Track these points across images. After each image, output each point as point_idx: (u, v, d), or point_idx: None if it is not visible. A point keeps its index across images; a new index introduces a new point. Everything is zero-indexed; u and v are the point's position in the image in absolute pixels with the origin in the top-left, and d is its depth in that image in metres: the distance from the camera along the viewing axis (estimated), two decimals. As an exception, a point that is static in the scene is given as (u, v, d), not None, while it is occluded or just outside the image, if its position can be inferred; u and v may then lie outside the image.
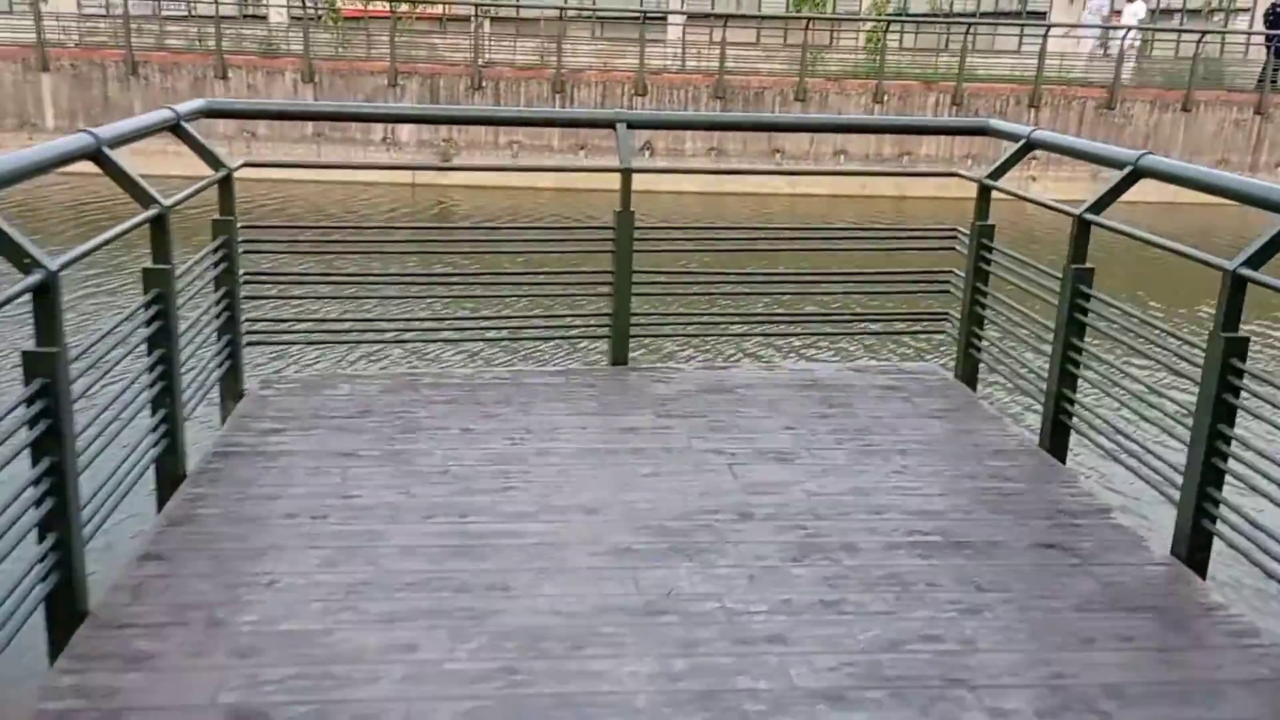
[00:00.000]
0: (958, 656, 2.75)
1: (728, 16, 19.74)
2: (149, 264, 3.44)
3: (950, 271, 5.12)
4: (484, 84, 17.82)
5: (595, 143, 17.35)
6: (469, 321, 5.00)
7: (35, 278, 2.56)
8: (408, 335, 5.35)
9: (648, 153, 17.70)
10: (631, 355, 4.95)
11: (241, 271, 4.39)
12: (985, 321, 4.85)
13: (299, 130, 17.33)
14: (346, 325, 5.07)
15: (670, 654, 2.70)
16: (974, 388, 4.88)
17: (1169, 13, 23.26)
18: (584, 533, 3.32)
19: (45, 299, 2.60)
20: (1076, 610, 3.01)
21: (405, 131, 17.59)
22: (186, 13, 20.24)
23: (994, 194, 4.75)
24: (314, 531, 3.25)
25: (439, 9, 21.37)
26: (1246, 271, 3.13)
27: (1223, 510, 3.22)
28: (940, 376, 4.96)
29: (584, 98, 18.06)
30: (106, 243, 3.04)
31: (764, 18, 21.81)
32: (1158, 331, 3.73)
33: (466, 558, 3.13)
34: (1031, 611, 2.99)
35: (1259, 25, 21.77)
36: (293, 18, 19.46)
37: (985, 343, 4.85)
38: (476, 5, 19.41)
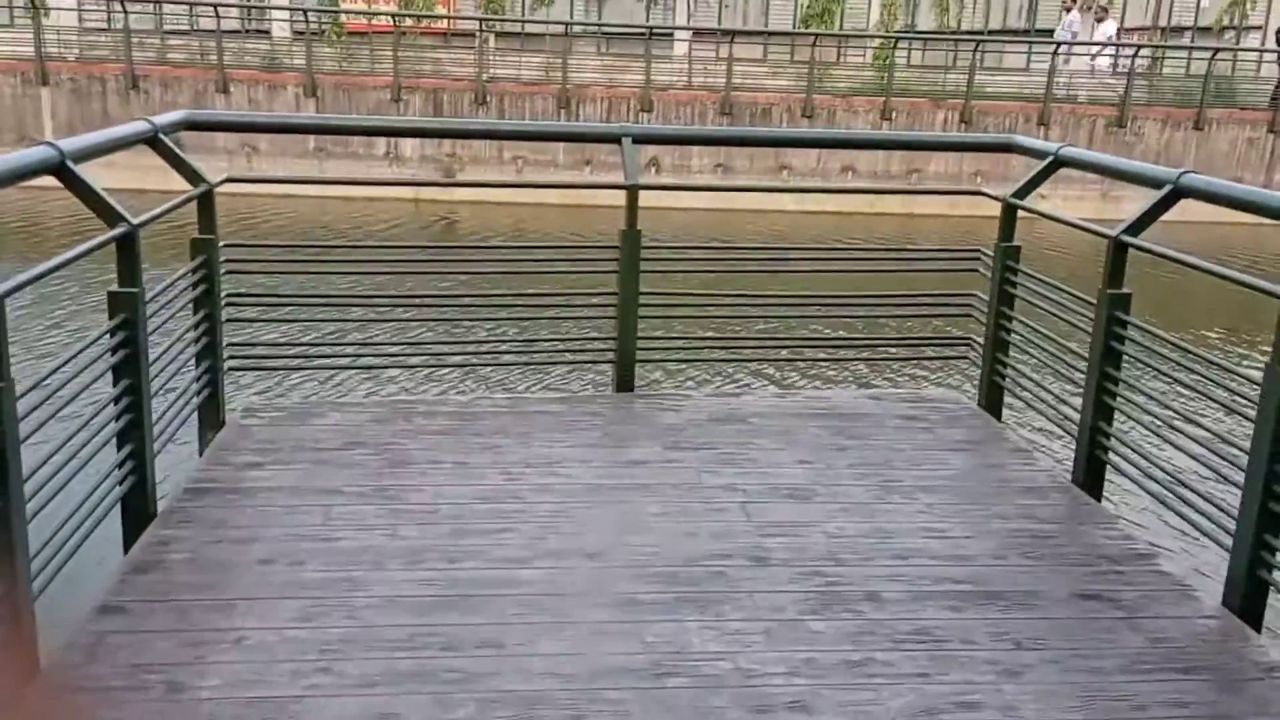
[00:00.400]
0: None
1: (734, 33, 19.54)
2: (115, 287, 3.19)
3: (972, 294, 4.86)
4: (488, 99, 17.63)
5: (601, 158, 17.14)
6: (466, 346, 4.74)
7: None
8: (400, 360, 5.08)
9: (654, 169, 17.48)
10: (638, 381, 4.69)
11: (224, 293, 4.14)
12: (1010, 347, 4.59)
13: (301, 145, 17.13)
14: (335, 350, 4.82)
15: None
16: (998, 417, 4.61)
17: (1179, 30, 23.02)
18: (585, 581, 3.06)
19: None
20: (1124, 671, 2.74)
21: (409, 146, 17.39)
22: (189, 27, 20.08)
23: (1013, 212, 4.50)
24: (289, 580, 2.99)
25: (444, 24, 21.22)
26: None
27: None
28: (962, 405, 4.70)
29: (589, 114, 17.86)
30: (62, 265, 2.79)
31: (771, 34, 21.59)
32: (1204, 362, 3.47)
33: (455, 610, 2.86)
34: (1076, 673, 2.71)
35: (1270, 43, 21.56)
36: (296, 32, 19.31)
37: (1010, 370, 4.58)
38: (481, 20, 19.25)
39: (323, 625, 2.76)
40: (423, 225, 16.22)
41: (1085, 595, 3.11)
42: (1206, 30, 22.67)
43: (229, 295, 4.19)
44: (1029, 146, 4.69)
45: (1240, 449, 3.10)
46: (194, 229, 3.95)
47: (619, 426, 4.27)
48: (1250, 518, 3.01)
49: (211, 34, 17.48)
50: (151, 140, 3.77)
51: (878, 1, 21.88)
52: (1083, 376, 3.95)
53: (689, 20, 21.84)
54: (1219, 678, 2.74)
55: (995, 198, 4.62)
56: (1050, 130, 18.18)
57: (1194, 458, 3.45)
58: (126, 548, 3.25)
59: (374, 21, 20.33)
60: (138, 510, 3.30)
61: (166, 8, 20.53)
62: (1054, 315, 4.26)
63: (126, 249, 3.16)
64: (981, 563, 3.26)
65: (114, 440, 3.21)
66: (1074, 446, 4.01)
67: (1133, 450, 3.73)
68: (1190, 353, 3.55)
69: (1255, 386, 3.02)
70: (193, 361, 3.95)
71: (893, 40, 19.54)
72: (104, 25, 19.76)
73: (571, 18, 20.91)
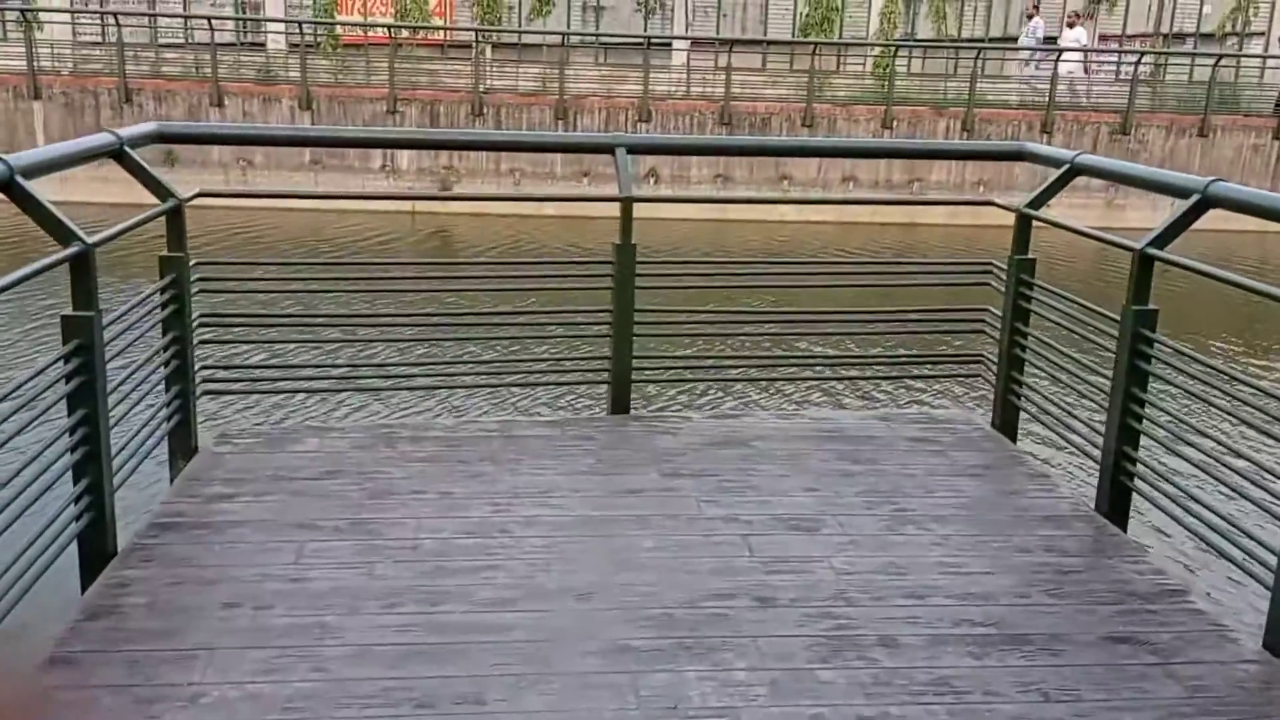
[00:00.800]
0: None
1: (733, 42, 19.35)
2: (68, 310, 2.97)
3: (985, 309, 4.64)
4: (485, 110, 17.45)
5: (600, 169, 16.93)
6: (453, 366, 4.52)
7: None
8: (384, 382, 4.85)
9: (652, 180, 17.28)
10: (633, 402, 4.47)
11: (196, 314, 3.92)
12: (1026, 365, 4.36)
13: (296, 158, 16.95)
14: (314, 372, 4.58)
15: None
16: (1014, 439, 4.38)
17: (1182, 37, 22.85)
18: (574, 625, 2.82)
19: None
20: None
21: (405, 158, 17.21)
22: (184, 40, 19.93)
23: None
24: (255, 626, 2.76)
25: (440, 35, 21.06)
26: None
27: None
28: (976, 426, 4.47)
29: (587, 124, 17.67)
30: (7, 288, 2.57)
31: (770, 43, 21.40)
32: (1237, 383, 3.24)
33: (433, 661, 2.63)
34: None
35: (1275, 49, 21.38)
36: (291, 45, 19.15)
37: (1026, 389, 4.36)
38: (478, 31, 19.08)
39: (287, 679, 2.53)
40: (419, 240, 16.00)
41: (1115, 638, 2.88)
42: (1209, 36, 22.50)
43: (201, 315, 3.97)
44: (1042, 154, 4.48)
45: (1278, 477, 2.88)
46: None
47: (613, 452, 4.04)
48: None
49: (206, 46, 17.31)
50: (117, 154, 3.56)
51: (877, 9, 21.71)
52: (1105, 397, 3.73)
53: (687, 30, 21.65)
54: None
55: (1008, 208, 4.40)
56: (1053, 138, 17.99)
57: (1228, 486, 3.22)
58: (85, 588, 3.03)
59: (370, 33, 20.17)
60: (96, 549, 3.08)
61: (162, 21, 20.41)
62: (1073, 332, 4.03)
63: (81, 270, 2.95)
64: (1003, 602, 3.03)
65: (70, 474, 2.99)
66: (1096, 472, 3.78)
67: (1161, 477, 3.50)
68: (1222, 373, 3.32)
69: None
70: (162, 386, 3.73)
71: (893, 48, 19.37)
72: (98, 38, 19.62)
73: (569, 28, 20.73)
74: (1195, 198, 3.38)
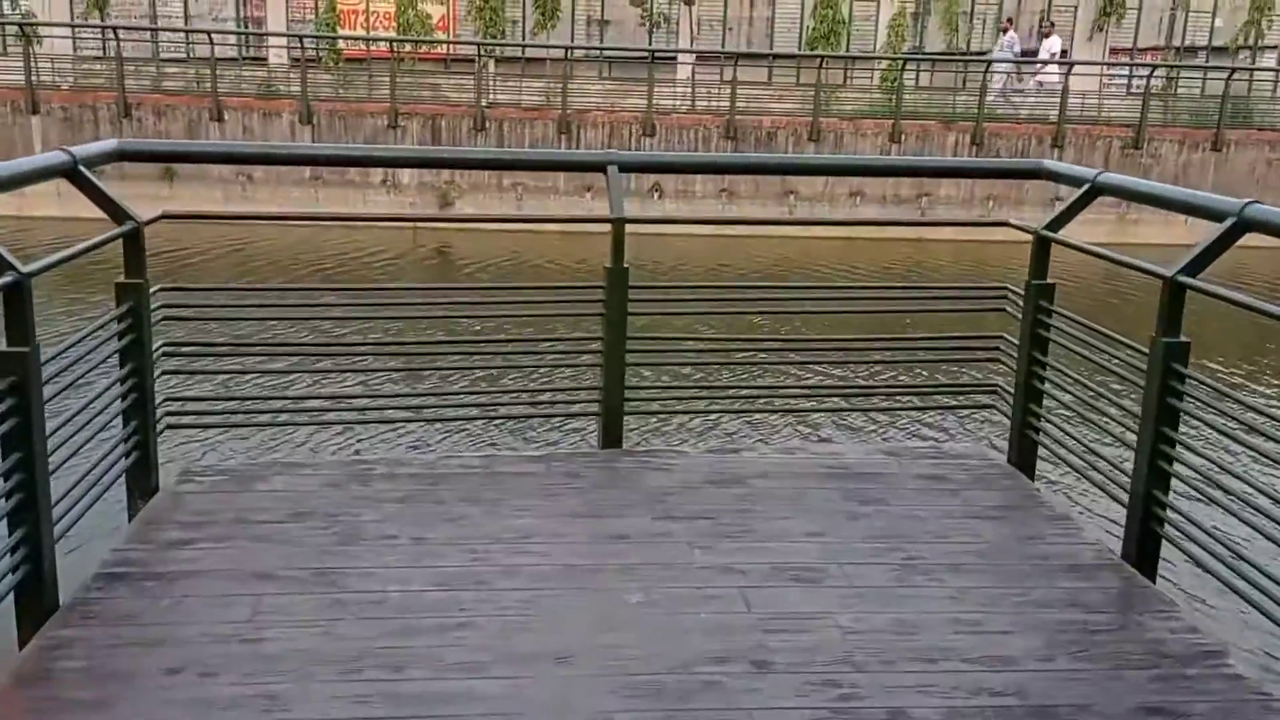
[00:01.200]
0: None
1: (739, 55, 19.15)
2: (2, 346, 2.72)
3: (1000, 336, 4.37)
4: (487, 125, 17.25)
5: (603, 184, 16.68)
6: (434, 398, 4.25)
7: None
8: (360, 415, 4.58)
9: (656, 194, 17.05)
10: (626, 435, 4.20)
11: (159, 343, 3.67)
12: (1045, 398, 4.09)
13: (296, 172, 16.73)
14: (286, 404, 4.32)
15: None
16: (1031, 477, 4.10)
17: (1193, 50, 22.60)
18: (551, 696, 2.56)
19: None
20: None
21: (405, 174, 17.01)
22: (185, 55, 19.80)
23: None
24: (197, 697, 2.50)
25: (443, 50, 20.91)
26: None
27: None
28: (990, 462, 4.19)
29: (590, 139, 17.46)
30: None
31: (776, 56, 21.22)
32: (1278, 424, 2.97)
33: None
34: None
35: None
36: (293, 60, 18.99)
37: (1045, 423, 4.08)
38: (480, 45, 18.91)
39: None
40: (420, 257, 15.79)
41: (1150, 709, 2.60)
42: (1221, 50, 22.25)
43: (164, 345, 3.72)
44: (1061, 173, 4.22)
45: None
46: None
47: (602, 491, 3.78)
48: None
49: (207, 61, 17.15)
50: (70, 173, 3.31)
51: (884, 22, 21.50)
52: (1132, 435, 3.46)
53: (692, 43, 21.46)
54: None
55: (1025, 229, 4.13)
56: (1064, 152, 17.74)
57: (1268, 538, 2.94)
58: (22, 645, 2.77)
59: (373, 48, 20.02)
60: (34, 603, 2.82)
61: (164, 35, 20.30)
62: (1096, 363, 3.76)
63: (15, 302, 2.70)
64: (1026, 666, 2.75)
65: (6, 522, 2.74)
66: (1122, 514, 3.51)
67: (1194, 524, 3.23)
68: (1261, 413, 3.05)
69: None
70: (119, 420, 3.48)
71: (900, 62, 19.14)
72: (99, 53, 19.50)
73: (573, 42, 20.54)
74: (1231, 221, 3.12)
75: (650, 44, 21.04)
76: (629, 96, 18.19)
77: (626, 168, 4.10)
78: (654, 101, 17.46)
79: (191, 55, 19.52)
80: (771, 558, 3.29)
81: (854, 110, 18.62)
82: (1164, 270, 3.25)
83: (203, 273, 13.63)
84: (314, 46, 19.41)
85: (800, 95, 18.85)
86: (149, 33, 20.12)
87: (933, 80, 21.08)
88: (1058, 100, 17.90)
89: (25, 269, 2.70)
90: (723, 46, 21.35)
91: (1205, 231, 3.22)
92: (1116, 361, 3.64)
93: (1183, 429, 3.28)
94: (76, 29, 19.99)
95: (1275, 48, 21.99)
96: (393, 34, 20.25)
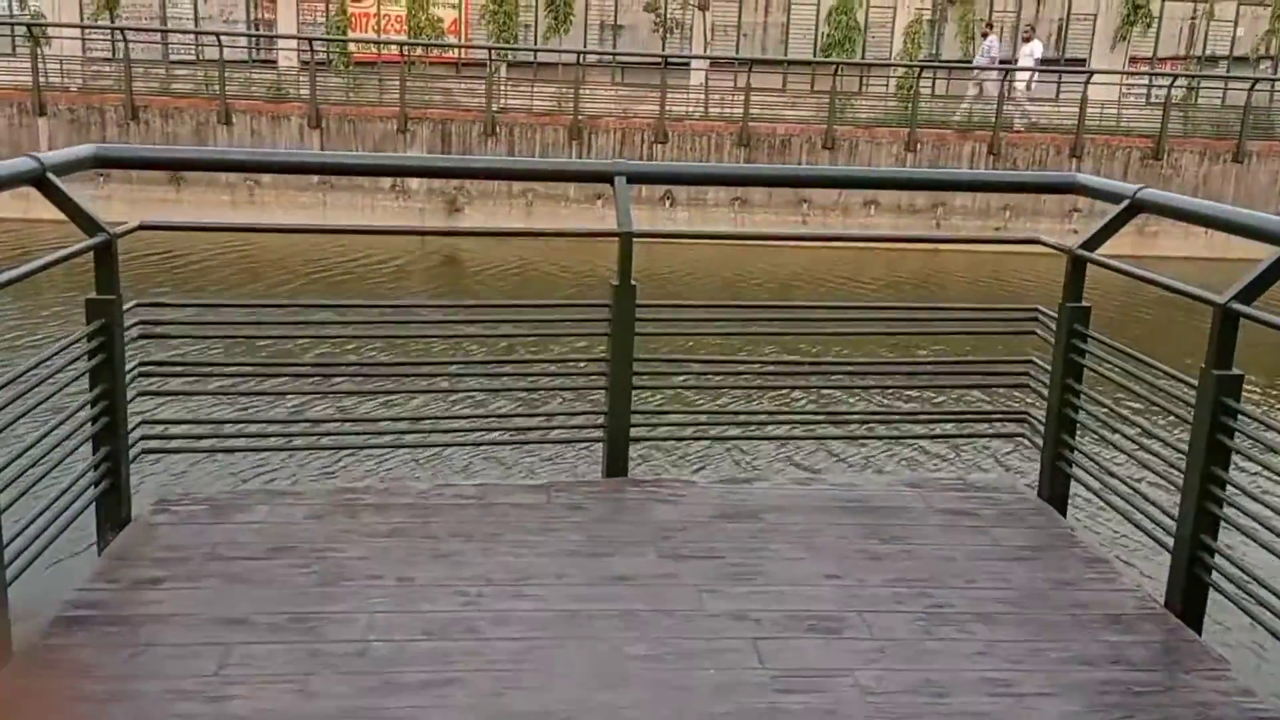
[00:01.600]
0: None
1: (753, 61, 18.88)
2: None
3: (1029, 360, 4.12)
4: (498, 130, 17.04)
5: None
6: (429, 422, 4.01)
7: None
8: (350, 439, 4.34)
9: (668, 202, 16.82)
10: (631, 463, 3.96)
11: (134, 362, 3.45)
12: (1079, 428, 3.84)
13: (304, 178, 16.56)
14: (271, 427, 4.09)
15: None
16: (1064, 512, 3.84)
17: (1214, 60, 22.26)
18: None
19: None
20: None
21: (415, 179, 16.81)
22: (195, 57, 19.66)
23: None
24: None
25: (454, 54, 20.71)
26: None
27: None
28: (1019, 495, 3.93)
29: (602, 144, 17.23)
30: None
31: (790, 63, 20.93)
32: None
33: None
34: None
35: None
36: (303, 63, 18.81)
37: (1079, 455, 3.83)
38: (492, 49, 18.71)
39: None
40: (429, 265, 15.58)
41: None
42: (1242, 60, 21.92)
43: (140, 364, 3.50)
44: (1097, 188, 3.97)
45: None
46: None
47: (605, 525, 3.53)
48: None
49: (216, 63, 16.99)
50: (38, 181, 3.09)
51: (900, 30, 21.24)
52: (1175, 470, 3.21)
53: (706, 49, 21.22)
54: None
55: (1058, 248, 3.88)
56: (1082, 163, 17.43)
57: None
58: None
59: (383, 51, 19.84)
60: None
61: (173, 37, 20.15)
62: (1138, 393, 3.51)
63: None
64: None
65: None
66: (1163, 556, 3.25)
67: (1245, 573, 2.97)
68: None
69: None
70: (90, 447, 3.25)
71: (916, 69, 18.87)
72: (108, 55, 19.36)
73: (585, 46, 20.33)
74: None
75: (663, 49, 20.81)
76: (642, 102, 17.96)
77: (635, 179, 3.86)
78: (667, 108, 17.24)
79: (201, 57, 19.37)
80: (786, 604, 3.05)
81: (869, 118, 18.36)
82: (1215, 297, 3.00)
83: (201, 277, 13.45)
84: (324, 50, 19.24)
85: (815, 102, 18.59)
86: (159, 34, 19.97)
87: (949, 88, 20.79)
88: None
89: (-27, 289, 2.48)
90: (737, 52, 21.11)
91: (1238, 244, 2.98)
92: (1159, 392, 3.39)
93: (1234, 469, 3.03)
94: (86, 30, 19.84)
95: (1298, 58, 21.66)
96: (403, 37, 20.06)
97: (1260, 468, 3.01)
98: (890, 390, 5.07)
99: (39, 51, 16.79)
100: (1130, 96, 20.65)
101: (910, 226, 17.33)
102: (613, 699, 2.57)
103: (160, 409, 3.72)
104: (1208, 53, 22.22)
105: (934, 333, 4.87)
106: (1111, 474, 3.63)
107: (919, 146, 17.41)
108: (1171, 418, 3.33)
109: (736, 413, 4.43)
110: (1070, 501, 3.89)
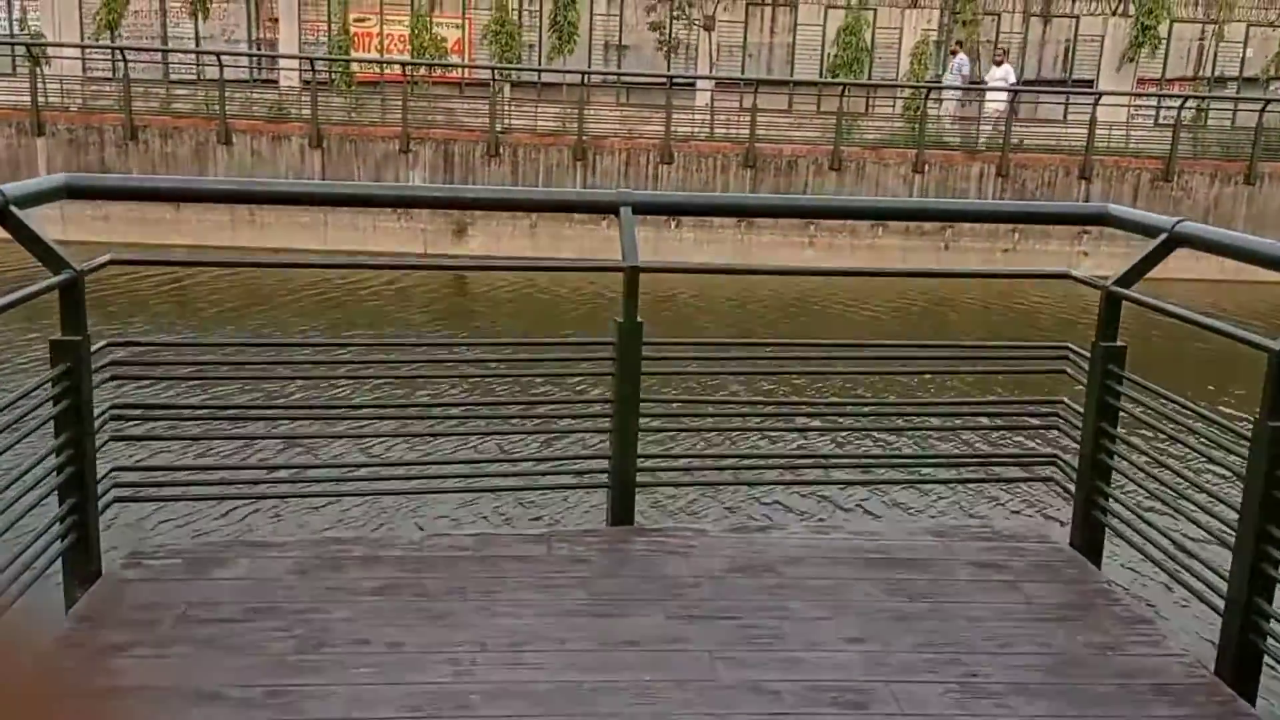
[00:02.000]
0: None
1: (759, 82, 18.75)
2: None
3: (1059, 401, 3.88)
4: (501, 151, 16.88)
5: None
6: (423, 468, 3.78)
7: None
8: (338, 486, 4.10)
9: (674, 223, 16.62)
10: (638, 510, 3.72)
11: (104, 405, 3.22)
12: (1114, 474, 3.60)
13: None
14: (252, 475, 3.86)
15: None
16: (1098, 564, 3.60)
17: (1223, 81, 22.08)
18: None
19: None
20: None
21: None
22: (196, 77, 19.54)
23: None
24: None
25: (458, 73, 20.58)
26: None
27: None
28: (1050, 544, 3.69)
29: (607, 165, 17.07)
30: None
31: (797, 83, 20.79)
32: None
33: None
34: None
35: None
36: (304, 82, 18.68)
37: (1114, 503, 3.59)
38: (495, 69, 18.57)
39: None
40: (433, 288, 15.37)
41: None
42: (1252, 80, 21.74)
43: (112, 408, 3.28)
44: (1130, 220, 3.74)
45: None
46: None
47: (611, 581, 3.30)
48: None
49: (216, 83, 16.86)
50: None
51: (908, 50, 21.09)
52: (1224, 528, 2.97)
53: (711, 69, 21.07)
54: None
55: (1091, 284, 3.66)
56: (1092, 185, 17.24)
57: None
58: None
59: (386, 71, 19.71)
60: None
61: (174, 56, 20.04)
62: (1179, 439, 3.28)
63: None
64: None
65: None
66: (1210, 615, 3.01)
67: None
68: None
69: None
70: (55, 497, 3.03)
71: (924, 91, 18.71)
72: (108, 74, 19.24)
73: (589, 66, 20.19)
74: None
75: (669, 69, 20.66)
76: (647, 123, 17.80)
77: (641, 209, 3.63)
78: (672, 128, 17.07)
79: (202, 77, 19.25)
80: (807, 673, 2.81)
81: (876, 139, 18.19)
82: (1270, 343, 2.77)
83: (198, 300, 13.25)
84: (326, 69, 19.11)
85: (821, 123, 18.42)
86: (159, 54, 19.86)
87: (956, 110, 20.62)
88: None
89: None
90: (742, 73, 20.95)
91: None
92: (1203, 440, 3.16)
93: None
94: (86, 50, 19.73)
95: (1308, 79, 21.47)
96: (406, 57, 19.94)
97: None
98: (910, 432, 4.80)
99: (38, 71, 16.67)
100: (1139, 118, 20.48)
101: (918, 247, 17.11)
102: None
103: (133, 455, 3.49)
104: (1217, 73, 22.04)
105: (957, 371, 4.63)
106: (1151, 524, 3.39)
107: (927, 168, 17.23)
108: (1219, 468, 3.09)
109: (748, 456, 4.17)
110: (1105, 551, 3.65)
